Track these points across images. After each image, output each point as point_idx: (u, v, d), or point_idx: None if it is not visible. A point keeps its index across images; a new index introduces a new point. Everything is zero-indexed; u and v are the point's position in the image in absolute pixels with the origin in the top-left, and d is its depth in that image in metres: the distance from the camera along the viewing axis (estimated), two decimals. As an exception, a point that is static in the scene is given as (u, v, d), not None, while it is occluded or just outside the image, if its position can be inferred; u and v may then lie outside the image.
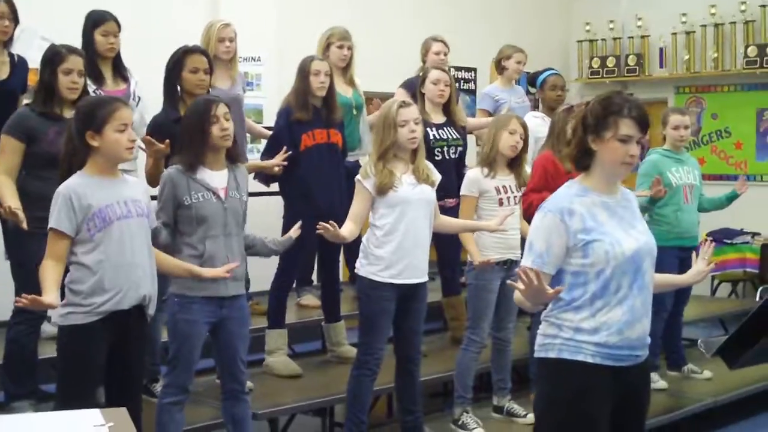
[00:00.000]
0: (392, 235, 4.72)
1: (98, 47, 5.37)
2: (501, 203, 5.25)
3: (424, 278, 4.86)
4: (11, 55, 5.46)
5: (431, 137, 6.03)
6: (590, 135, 3.32)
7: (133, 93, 5.51)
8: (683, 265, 6.29)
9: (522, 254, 5.24)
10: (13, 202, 4.58)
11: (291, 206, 5.85)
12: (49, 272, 3.80)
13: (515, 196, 5.32)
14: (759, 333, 3.20)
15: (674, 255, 6.23)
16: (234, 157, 4.50)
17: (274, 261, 5.71)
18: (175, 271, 4.28)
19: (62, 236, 3.85)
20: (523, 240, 5.39)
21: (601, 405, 3.29)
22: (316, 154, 5.71)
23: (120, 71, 5.51)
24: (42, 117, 4.73)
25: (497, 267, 5.27)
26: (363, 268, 4.81)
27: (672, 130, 6.33)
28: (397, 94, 6.64)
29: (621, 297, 3.28)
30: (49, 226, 3.87)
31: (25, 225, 4.48)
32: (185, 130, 4.41)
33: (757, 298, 4.07)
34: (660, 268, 6.07)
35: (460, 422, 5.37)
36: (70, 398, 3.76)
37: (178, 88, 5.15)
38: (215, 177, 4.39)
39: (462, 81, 9.91)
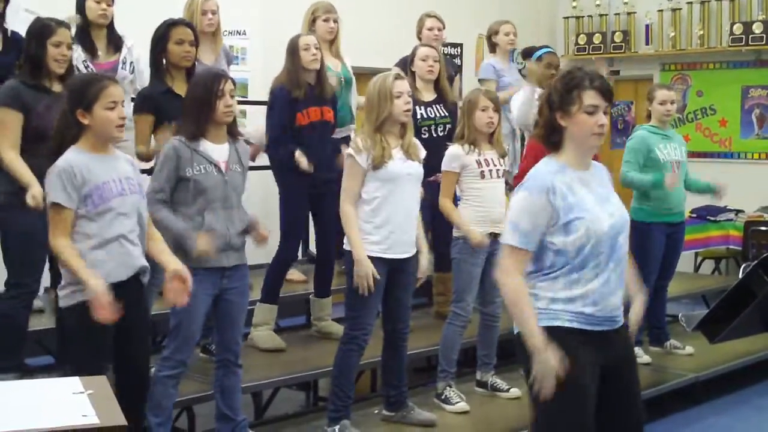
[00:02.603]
0: (382, 210, 4.71)
1: (89, 14, 5.33)
2: (483, 176, 5.27)
3: (413, 251, 4.86)
4: (4, 30, 5.41)
5: (418, 116, 6.00)
6: (557, 112, 3.34)
7: (124, 60, 5.48)
8: (670, 240, 6.36)
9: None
10: (36, 186, 4.53)
11: (285, 182, 5.87)
12: (74, 258, 3.82)
13: (498, 169, 5.32)
14: (739, 307, 3.22)
15: (662, 231, 6.29)
16: (234, 132, 4.55)
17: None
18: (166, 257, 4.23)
19: (66, 211, 3.86)
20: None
21: (585, 367, 3.29)
22: (311, 132, 5.72)
23: (113, 41, 5.48)
24: (32, 89, 4.71)
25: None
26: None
27: (659, 105, 6.33)
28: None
29: (597, 271, 3.29)
30: (52, 201, 3.86)
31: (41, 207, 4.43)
32: (191, 101, 4.44)
33: (740, 276, 4.09)
34: (648, 243, 6.22)
35: (443, 396, 5.40)
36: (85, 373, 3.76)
37: (164, 60, 5.14)
38: (216, 150, 4.44)
39: (449, 56, 9.88)
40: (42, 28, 4.75)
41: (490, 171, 5.29)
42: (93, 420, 2.22)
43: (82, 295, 3.85)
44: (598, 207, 3.32)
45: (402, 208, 4.75)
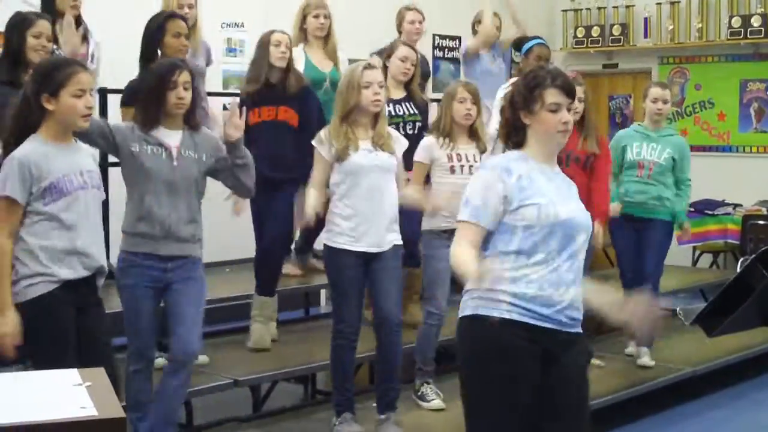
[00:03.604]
0: (347, 201, 4.67)
1: (60, 5, 5.31)
2: (453, 171, 5.15)
3: (391, 243, 4.77)
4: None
5: (392, 112, 5.83)
6: (521, 111, 3.35)
7: (92, 55, 5.47)
8: (640, 239, 6.30)
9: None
10: None
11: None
12: (6, 270, 3.67)
13: (471, 165, 5.15)
14: (736, 301, 3.21)
15: (626, 222, 6.29)
16: (192, 123, 4.37)
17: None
18: None
19: (16, 206, 3.69)
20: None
21: (518, 363, 3.25)
22: (258, 133, 5.43)
23: (81, 32, 5.44)
24: (7, 86, 4.52)
25: (447, 235, 5.18)
26: (323, 235, 4.81)
27: (650, 102, 6.30)
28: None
29: (547, 258, 3.25)
30: (5, 194, 3.68)
31: None
32: (144, 89, 4.34)
33: (738, 269, 4.09)
34: (613, 235, 6.20)
35: (419, 393, 5.36)
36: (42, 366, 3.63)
37: (158, 53, 5.11)
38: (169, 134, 4.29)
39: (446, 49, 9.89)
40: (21, 21, 4.67)
41: (462, 167, 5.15)
42: (91, 412, 2.21)
43: (37, 288, 3.73)
44: (557, 197, 3.31)
45: (370, 199, 4.68)
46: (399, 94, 5.97)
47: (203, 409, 5.27)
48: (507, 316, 3.23)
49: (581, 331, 3.37)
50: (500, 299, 3.23)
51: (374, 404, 5.03)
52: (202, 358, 5.12)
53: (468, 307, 3.33)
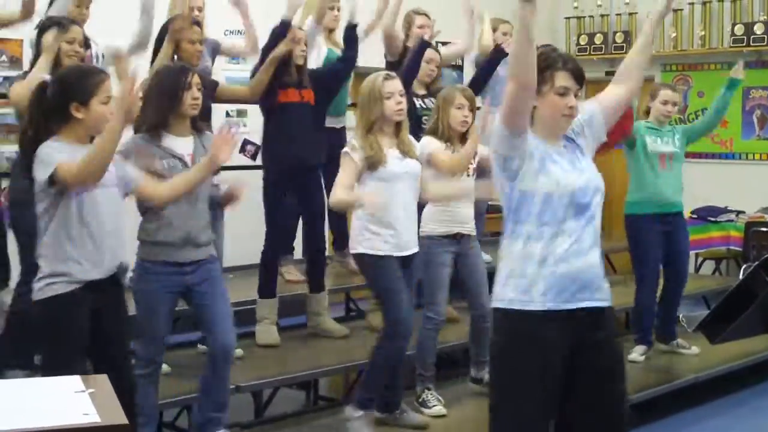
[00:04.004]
0: (386, 210, 4.70)
1: (71, 16, 5.32)
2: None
3: (416, 249, 4.89)
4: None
5: (417, 106, 6.12)
6: None
7: (96, 56, 5.51)
8: (668, 239, 6.36)
9: (473, 229, 5.26)
10: None
11: (270, 163, 5.90)
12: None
13: (468, 168, 5.22)
14: (739, 308, 3.22)
15: (656, 223, 6.31)
16: (198, 126, 4.45)
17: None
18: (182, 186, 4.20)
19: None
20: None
21: (549, 355, 3.27)
22: (290, 112, 5.76)
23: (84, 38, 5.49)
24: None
25: (446, 241, 5.25)
26: (361, 245, 4.80)
27: (660, 104, 6.37)
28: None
29: (568, 228, 3.27)
30: (54, 168, 3.68)
31: None
32: (155, 94, 4.34)
33: (740, 276, 4.09)
34: (641, 235, 6.25)
35: (420, 399, 5.36)
36: (58, 370, 3.70)
37: (174, 58, 5.18)
38: (180, 143, 4.35)
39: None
40: (55, 26, 4.80)
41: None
42: (94, 419, 2.21)
43: (55, 288, 3.79)
44: (568, 165, 3.34)
45: (402, 206, 4.76)
46: (422, 91, 6.31)
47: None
48: (541, 307, 3.26)
49: (609, 303, 3.39)
50: (532, 289, 3.25)
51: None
52: (238, 351, 5.14)
53: (503, 299, 3.34)
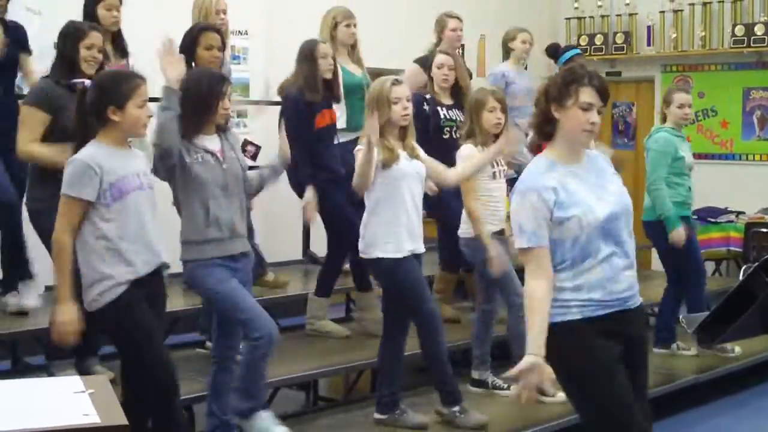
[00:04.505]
0: (398, 210, 4.77)
1: (102, 21, 5.39)
2: (495, 177, 5.39)
3: (422, 249, 4.94)
4: (3, 22, 5.51)
5: (441, 116, 6.21)
6: (553, 104, 3.42)
7: (132, 68, 5.52)
8: (690, 238, 6.44)
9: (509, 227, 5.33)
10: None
11: (326, 189, 5.87)
12: (65, 265, 3.88)
13: (502, 169, 5.43)
14: (739, 309, 3.22)
15: (685, 224, 6.39)
16: (222, 127, 4.56)
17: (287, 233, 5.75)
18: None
19: (78, 204, 3.90)
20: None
21: (607, 352, 3.38)
22: (327, 134, 5.88)
23: (121, 46, 5.54)
24: (65, 89, 4.76)
25: (494, 236, 5.36)
26: (379, 249, 4.81)
27: (676, 108, 6.44)
28: (410, 72, 6.72)
29: (600, 258, 3.37)
30: (67, 193, 3.89)
31: None
32: (193, 98, 4.40)
33: (740, 277, 4.11)
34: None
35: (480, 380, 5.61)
36: (147, 364, 4.01)
37: (192, 65, 5.20)
38: (209, 141, 4.46)
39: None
40: (75, 31, 4.87)
41: (500, 171, 5.41)
42: (94, 419, 2.22)
43: (109, 294, 3.93)
44: (593, 197, 3.39)
45: (413, 206, 4.82)
46: (447, 100, 6.30)
47: (205, 415, 5.25)
48: (579, 317, 3.37)
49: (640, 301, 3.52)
50: (570, 305, 3.37)
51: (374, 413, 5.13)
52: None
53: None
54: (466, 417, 5.01)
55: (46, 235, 4.86)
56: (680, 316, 3.73)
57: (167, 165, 4.33)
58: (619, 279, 3.40)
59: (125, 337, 4.07)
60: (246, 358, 4.49)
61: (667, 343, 6.70)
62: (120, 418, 2.28)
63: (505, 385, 5.59)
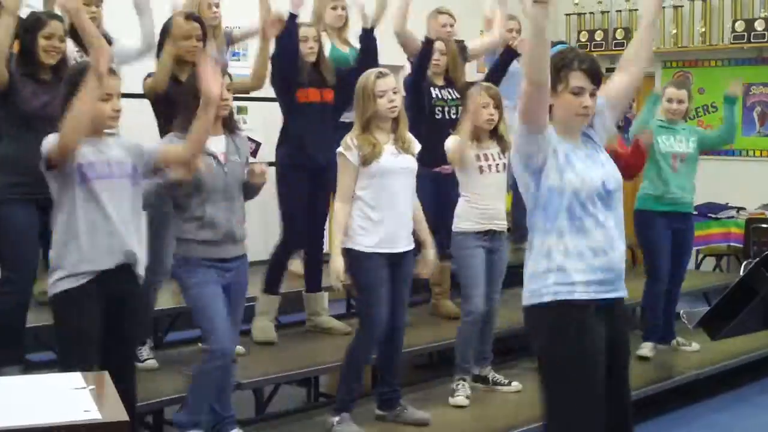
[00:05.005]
0: (375, 205, 4.72)
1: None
2: (481, 171, 5.28)
3: (410, 246, 4.86)
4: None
5: (433, 96, 6.30)
6: None
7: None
8: (677, 236, 6.37)
9: (505, 225, 5.34)
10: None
11: (285, 161, 5.89)
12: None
13: (497, 164, 5.31)
14: (740, 305, 3.22)
15: (666, 221, 6.34)
16: (231, 127, 4.54)
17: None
18: (181, 153, 4.23)
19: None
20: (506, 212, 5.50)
21: (598, 342, 3.38)
22: (309, 112, 5.79)
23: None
24: (23, 77, 4.71)
25: (478, 236, 5.31)
26: (350, 240, 4.79)
27: (666, 102, 6.42)
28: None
29: (598, 221, 3.36)
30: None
31: None
32: (189, 95, 4.39)
33: (741, 273, 4.08)
34: (650, 232, 6.29)
35: (452, 386, 5.47)
36: (70, 364, 3.73)
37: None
38: (213, 141, 4.41)
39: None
40: (34, 22, 4.77)
41: (489, 166, 5.29)
42: (95, 415, 2.22)
43: (63, 283, 3.85)
44: (589, 162, 3.41)
45: (396, 202, 4.75)
46: (440, 82, 6.43)
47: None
48: (586, 297, 3.35)
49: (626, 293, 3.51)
50: (576, 282, 3.34)
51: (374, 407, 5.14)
52: (239, 349, 5.20)
53: (546, 293, 3.38)
54: (341, 428, 4.93)
55: None
56: (681, 312, 3.71)
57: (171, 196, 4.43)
58: (614, 248, 3.38)
59: (57, 331, 3.97)
60: (197, 367, 4.49)
61: (664, 340, 6.67)
62: (121, 414, 2.28)
63: (506, 381, 5.60)
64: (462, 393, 5.39)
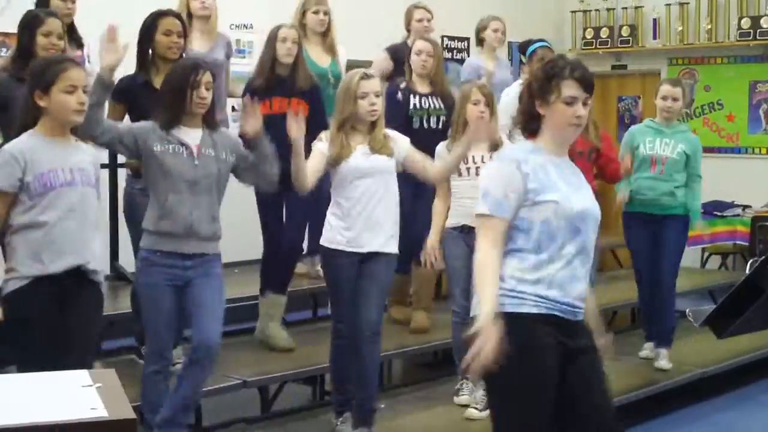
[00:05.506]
0: (345, 204, 4.68)
1: (56, 10, 5.30)
2: (460, 174, 5.21)
3: (384, 249, 4.74)
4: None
5: (411, 105, 6.04)
6: (537, 100, 3.33)
7: (87, 58, 5.49)
8: (656, 237, 6.28)
9: None
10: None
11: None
12: None
13: (477, 167, 5.21)
14: (746, 303, 3.21)
15: (640, 220, 6.27)
16: (210, 123, 4.42)
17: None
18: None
19: (3, 195, 3.80)
20: None
21: (548, 357, 3.26)
22: (272, 124, 5.08)
23: (74, 37, 5.47)
24: (17, 82, 4.59)
25: (455, 232, 5.28)
26: (322, 236, 4.81)
27: (660, 100, 6.30)
28: (377, 58, 6.69)
29: (564, 253, 3.26)
30: None
31: None
32: (167, 88, 4.37)
33: (747, 271, 4.04)
34: (628, 232, 6.23)
35: (456, 387, 5.46)
36: (25, 364, 3.72)
37: (150, 51, 5.11)
38: (190, 133, 4.33)
39: (455, 51, 9.87)
40: (32, 19, 4.75)
41: (468, 169, 5.22)
42: (102, 413, 2.21)
43: (13, 283, 3.82)
44: (570, 189, 3.32)
45: (365, 202, 4.68)
46: (424, 88, 6.13)
47: (212, 410, 5.27)
48: (535, 311, 3.25)
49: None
50: (527, 297, 3.25)
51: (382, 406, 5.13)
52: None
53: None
54: (344, 428, 4.91)
55: None
56: (687, 310, 3.69)
57: (120, 151, 4.37)
58: (575, 284, 3.29)
59: (5, 331, 3.84)
60: (143, 371, 4.46)
61: (663, 342, 6.48)
62: (128, 412, 2.28)
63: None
64: (466, 392, 5.39)
